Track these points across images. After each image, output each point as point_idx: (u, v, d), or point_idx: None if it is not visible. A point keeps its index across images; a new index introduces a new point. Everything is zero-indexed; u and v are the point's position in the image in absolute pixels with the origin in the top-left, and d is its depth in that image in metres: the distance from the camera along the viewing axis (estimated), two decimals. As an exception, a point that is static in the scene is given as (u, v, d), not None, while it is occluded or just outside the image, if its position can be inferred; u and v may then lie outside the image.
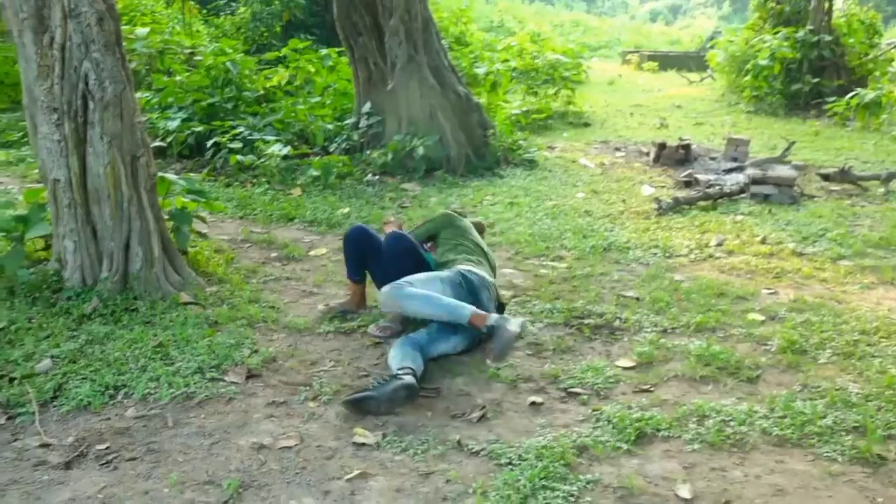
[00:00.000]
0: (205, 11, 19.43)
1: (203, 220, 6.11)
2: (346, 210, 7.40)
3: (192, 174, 8.70)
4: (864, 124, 12.40)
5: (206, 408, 3.80)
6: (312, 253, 6.28)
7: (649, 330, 4.82)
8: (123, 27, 12.53)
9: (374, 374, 4.19)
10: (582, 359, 4.42)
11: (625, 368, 4.30)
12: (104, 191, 4.97)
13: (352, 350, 4.50)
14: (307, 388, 4.01)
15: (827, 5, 14.52)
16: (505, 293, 5.40)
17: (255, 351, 4.39)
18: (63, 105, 4.89)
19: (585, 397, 3.97)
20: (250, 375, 4.12)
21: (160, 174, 5.42)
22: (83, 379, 3.99)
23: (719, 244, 6.57)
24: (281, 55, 11.97)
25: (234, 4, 18.42)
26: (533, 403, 3.89)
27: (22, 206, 5.63)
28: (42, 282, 5.02)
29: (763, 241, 6.61)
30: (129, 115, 4.99)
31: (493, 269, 4.99)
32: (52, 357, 4.19)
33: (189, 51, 12.53)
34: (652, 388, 4.07)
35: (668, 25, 42.05)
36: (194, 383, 3.98)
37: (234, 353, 4.33)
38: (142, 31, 11.33)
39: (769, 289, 5.55)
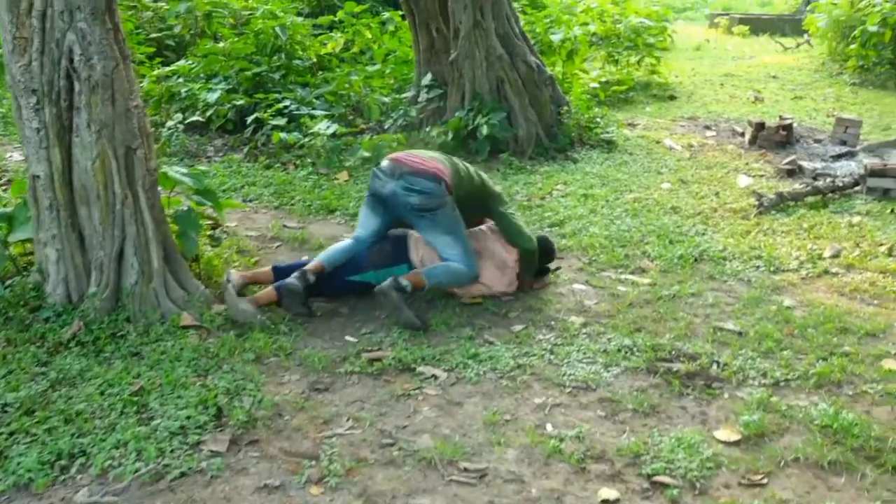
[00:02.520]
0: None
1: (217, 222, 5.24)
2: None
3: (233, 153, 7.89)
4: None
5: (178, 492, 2.93)
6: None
7: (756, 382, 3.80)
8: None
9: (401, 440, 3.28)
10: (670, 426, 3.44)
11: (727, 444, 3.30)
12: (92, 189, 4.14)
13: (377, 402, 3.59)
14: (313, 462, 3.12)
15: (947, -35, 12.95)
16: (574, 320, 4.44)
17: (259, 401, 3.51)
18: (43, 86, 4.06)
19: (676, 491, 2.99)
20: (235, 441, 3.25)
21: (163, 169, 4.55)
22: (33, 441, 3.16)
23: (835, 255, 5.47)
24: (336, 19, 11.01)
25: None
26: (605, 503, 2.93)
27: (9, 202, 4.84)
28: (19, 297, 4.22)
29: (890, 253, 5.48)
30: (123, 98, 4.13)
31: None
32: (2, 406, 3.38)
33: (248, 13, 11.69)
34: (764, 480, 3.07)
35: (759, -15, 39.81)
36: (170, 452, 3.12)
37: (231, 403, 3.46)
38: (186, -9, 10.50)
39: (905, 322, 4.48)
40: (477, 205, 4.76)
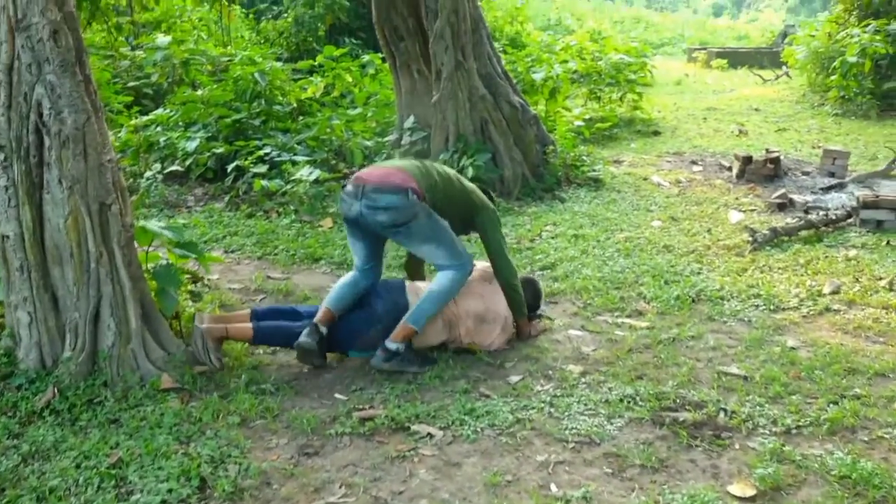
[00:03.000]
0: (250, 17, 18.58)
1: (198, 278, 5.05)
2: (382, 247, 6.28)
3: (214, 203, 7.71)
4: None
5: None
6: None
7: (767, 430, 3.63)
8: (157, 36, 11.79)
9: (397, 507, 3.08)
10: (681, 481, 3.25)
11: (743, 500, 3.12)
12: (65, 248, 3.95)
13: (371, 465, 3.39)
14: (304, 537, 2.92)
15: (923, -6, 13.04)
16: (573, 368, 4.27)
17: (245, 469, 3.31)
18: (11, 142, 3.88)
19: (692, 555, 2.80)
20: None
21: (140, 223, 4.37)
22: (2, 524, 2.95)
23: (835, 291, 5.33)
24: (316, 64, 10.90)
25: (275, 8, 17.47)
26: (618, 572, 2.74)
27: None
28: (-10, 364, 4.01)
29: (891, 288, 5.34)
30: (96, 152, 3.95)
31: None
32: (-31, 486, 3.16)
33: (226, 59, 11.58)
34: (786, 540, 2.89)
35: (734, 20, 40.32)
36: (149, 532, 2.91)
37: (215, 473, 3.26)
38: (162, 39, 10.37)
39: (914, 360, 4.33)
40: (461, 213, 4.49)
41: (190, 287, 4.94)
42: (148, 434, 3.53)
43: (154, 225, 4.42)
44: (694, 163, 9.65)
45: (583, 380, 4.15)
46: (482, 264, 4.70)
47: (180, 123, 9.00)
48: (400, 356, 4.20)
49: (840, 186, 8.13)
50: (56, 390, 3.83)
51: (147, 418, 3.67)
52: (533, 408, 3.85)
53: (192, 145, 8.24)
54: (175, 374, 4.05)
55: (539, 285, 4.94)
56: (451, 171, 4.60)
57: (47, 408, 3.73)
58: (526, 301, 4.65)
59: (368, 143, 8.74)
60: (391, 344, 4.20)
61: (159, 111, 9.33)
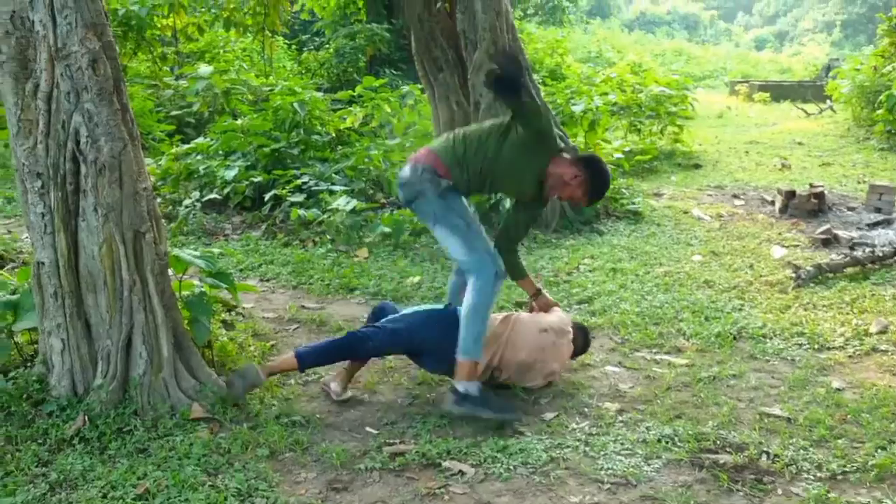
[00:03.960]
0: (293, 48, 18.80)
1: (231, 307, 5.03)
2: (417, 279, 6.23)
3: (251, 231, 7.72)
4: None
5: None
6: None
7: (811, 475, 3.49)
8: (200, 66, 11.93)
9: (426, 547, 3.00)
10: (721, 527, 3.13)
11: (785, 549, 3.00)
12: (99, 276, 3.94)
13: (400, 502, 3.31)
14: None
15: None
16: (609, 406, 4.17)
17: (273, 503, 3.25)
18: (48, 169, 3.89)
19: None
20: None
21: (174, 252, 4.36)
22: (26, 555, 2.91)
23: (882, 331, 5.17)
24: (355, 94, 10.96)
25: (317, 39, 17.65)
26: None
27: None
28: (22, 390, 3.99)
29: (941, 328, 5.18)
30: (131, 180, 3.95)
31: None
32: (-5, 516, 3.14)
33: (267, 89, 11.69)
34: None
35: (776, 53, 40.04)
36: (174, 567, 2.86)
37: (241, 507, 3.20)
38: (205, 69, 10.48)
39: (966, 404, 4.16)
40: (520, 158, 4.04)
41: (223, 316, 4.92)
42: (176, 465, 3.48)
43: (187, 254, 4.41)
44: (735, 197, 9.51)
45: (619, 418, 4.04)
46: (538, 316, 4.48)
47: (220, 152, 9.05)
48: (472, 399, 3.91)
49: (887, 222, 7.94)
50: (86, 418, 3.80)
51: (176, 448, 3.63)
52: (567, 446, 3.75)
53: (230, 174, 8.27)
54: (206, 403, 4.01)
55: (590, 335, 4.69)
56: (487, 126, 4.21)
57: (77, 435, 3.70)
58: (578, 348, 4.50)
59: (406, 174, 8.71)
60: (459, 385, 3.95)
61: (200, 139, 9.41)
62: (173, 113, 11.41)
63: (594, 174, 4.15)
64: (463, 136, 4.17)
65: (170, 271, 4.25)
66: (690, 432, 3.84)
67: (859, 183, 10.07)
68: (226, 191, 8.33)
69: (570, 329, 4.42)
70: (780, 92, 21.08)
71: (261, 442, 3.74)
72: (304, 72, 16.86)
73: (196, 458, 3.55)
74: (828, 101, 17.48)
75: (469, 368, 3.97)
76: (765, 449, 3.70)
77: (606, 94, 12.64)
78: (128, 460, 3.54)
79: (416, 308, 4.43)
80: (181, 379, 4.09)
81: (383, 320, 4.31)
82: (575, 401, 4.26)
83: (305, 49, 18.25)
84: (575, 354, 4.52)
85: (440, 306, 4.42)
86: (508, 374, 4.29)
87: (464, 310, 4.03)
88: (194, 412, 3.93)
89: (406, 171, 4.14)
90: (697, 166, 11.59)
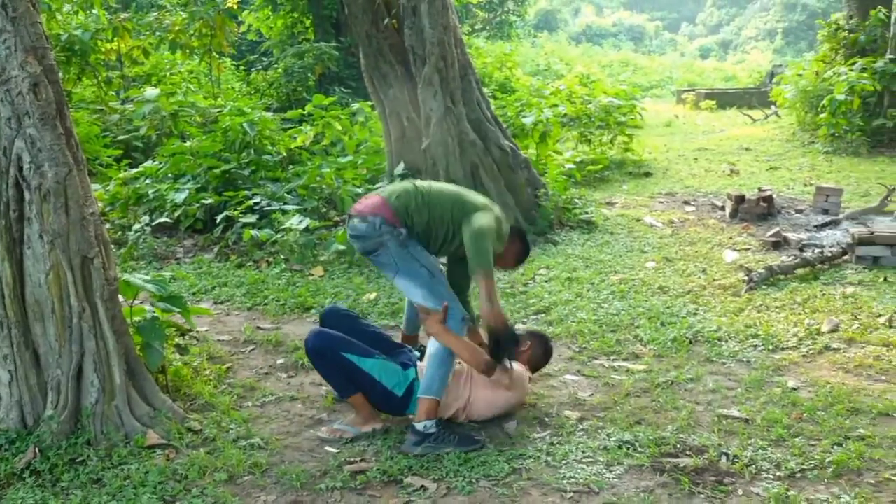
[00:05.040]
0: (240, 69, 18.69)
1: (185, 330, 4.95)
2: (374, 295, 6.19)
3: (203, 254, 7.62)
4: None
5: None
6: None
7: (770, 475, 3.52)
8: (146, 89, 11.80)
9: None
10: (684, 531, 3.14)
11: (748, 549, 3.02)
12: (47, 304, 3.86)
13: (363, 522, 3.28)
14: None
15: (908, 32, 13.13)
16: (569, 414, 4.17)
17: (231, 528, 3.19)
18: (-9, 197, 3.81)
19: None
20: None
21: (124, 277, 4.28)
22: None
23: (834, 330, 5.24)
24: (305, 112, 10.90)
25: (265, 59, 17.56)
26: None
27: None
28: (-31, 425, 3.89)
29: (890, 324, 5.26)
30: (77, 205, 3.88)
31: None
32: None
33: (216, 110, 11.57)
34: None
35: (721, 61, 40.68)
36: None
37: (201, 534, 3.14)
38: (151, 91, 10.36)
39: (917, 398, 4.23)
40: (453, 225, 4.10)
41: (177, 340, 4.84)
42: (131, 494, 3.41)
43: (138, 278, 4.33)
44: (686, 203, 9.62)
45: (580, 426, 4.04)
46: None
47: (169, 175, 8.92)
48: (431, 436, 3.83)
49: (834, 223, 8.09)
50: (37, 450, 3.71)
51: (131, 477, 3.55)
52: (529, 457, 3.74)
53: (180, 196, 8.16)
54: (161, 429, 3.94)
55: (551, 344, 4.58)
56: (436, 186, 4.28)
57: (28, 469, 3.61)
58: (538, 360, 4.45)
59: (359, 191, 8.65)
60: (418, 425, 3.86)
61: (148, 163, 9.29)
62: (120, 137, 11.24)
63: None
64: (426, 200, 4.10)
65: (120, 297, 4.17)
66: (650, 437, 3.86)
67: (806, 185, 10.25)
68: (176, 214, 8.21)
69: (527, 372, 4.33)
70: (725, 99, 21.41)
71: (219, 466, 3.67)
72: (252, 92, 16.73)
73: (152, 486, 3.48)
74: (773, 107, 17.76)
75: (429, 406, 3.90)
76: (724, 450, 3.73)
77: (556, 105, 12.68)
78: (81, 492, 3.46)
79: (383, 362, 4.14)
80: (135, 406, 4.01)
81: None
82: (535, 410, 4.25)
83: (253, 69, 18.13)
84: (538, 365, 4.49)
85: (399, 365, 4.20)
86: (473, 413, 4.19)
87: (430, 350, 3.99)
88: (149, 439, 3.86)
89: (361, 225, 4.04)
90: (648, 174, 11.70)
